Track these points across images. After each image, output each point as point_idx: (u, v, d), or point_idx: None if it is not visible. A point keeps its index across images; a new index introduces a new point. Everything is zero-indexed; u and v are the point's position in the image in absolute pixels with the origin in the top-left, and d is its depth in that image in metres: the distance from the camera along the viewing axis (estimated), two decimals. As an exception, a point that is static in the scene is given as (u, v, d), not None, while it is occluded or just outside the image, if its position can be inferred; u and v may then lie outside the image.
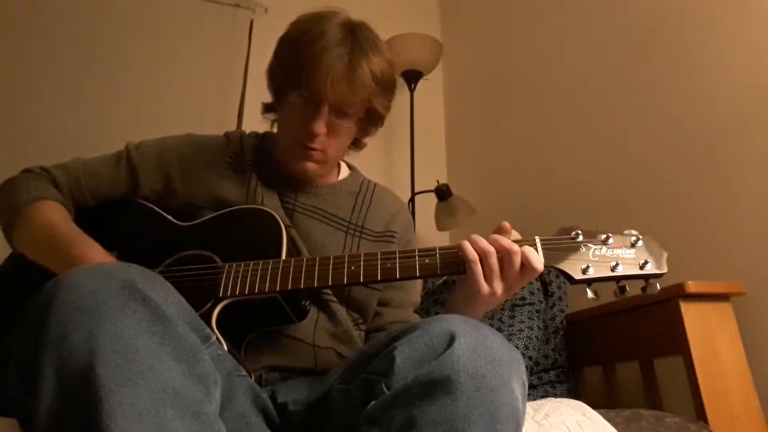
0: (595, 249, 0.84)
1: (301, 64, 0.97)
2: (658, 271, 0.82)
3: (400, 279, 0.86)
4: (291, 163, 1.05)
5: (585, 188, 1.88)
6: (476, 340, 0.64)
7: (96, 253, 0.90)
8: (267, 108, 1.13)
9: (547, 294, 1.63)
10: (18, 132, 1.93)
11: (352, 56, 0.97)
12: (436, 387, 0.61)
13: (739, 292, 1.29)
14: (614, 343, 1.48)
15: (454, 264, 0.84)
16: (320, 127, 0.99)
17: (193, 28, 2.30)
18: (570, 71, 2.05)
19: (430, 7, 2.92)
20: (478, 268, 0.81)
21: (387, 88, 1.05)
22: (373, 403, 0.65)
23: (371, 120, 1.08)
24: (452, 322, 0.67)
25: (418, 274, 0.85)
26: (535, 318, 1.56)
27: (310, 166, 1.04)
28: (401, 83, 2.43)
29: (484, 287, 0.81)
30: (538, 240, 0.85)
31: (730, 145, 1.45)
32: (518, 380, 0.66)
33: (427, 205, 2.31)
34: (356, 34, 1.00)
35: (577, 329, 1.61)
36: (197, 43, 2.29)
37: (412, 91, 2.43)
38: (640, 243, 0.83)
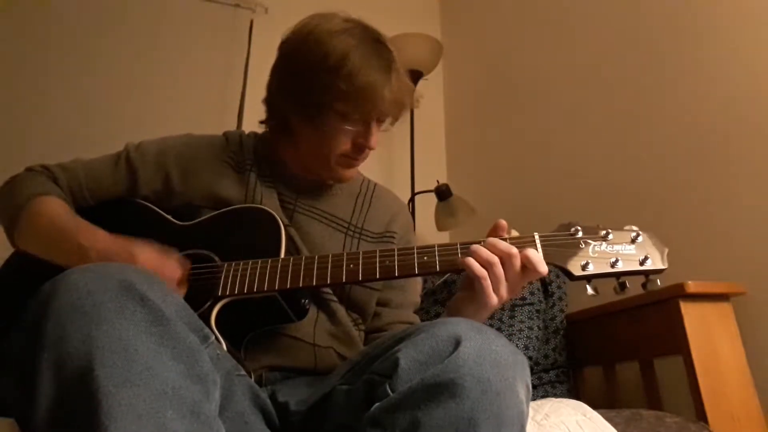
0: (595, 245, 0.83)
1: (355, 93, 0.96)
2: (658, 267, 0.81)
3: (399, 277, 0.86)
4: (333, 174, 1.07)
5: (585, 188, 1.88)
6: (481, 343, 0.64)
7: (103, 239, 0.90)
8: (275, 128, 1.10)
9: (547, 294, 1.63)
10: (19, 132, 1.93)
11: (396, 73, 1.00)
12: (441, 390, 0.61)
13: (739, 292, 1.29)
14: (614, 343, 1.47)
15: (453, 262, 0.84)
16: (376, 142, 1.02)
17: (193, 28, 2.30)
18: (570, 71, 2.05)
19: (430, 7, 2.92)
20: (488, 282, 0.80)
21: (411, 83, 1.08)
22: (377, 405, 0.65)
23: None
24: (458, 325, 0.67)
25: (416, 272, 0.85)
26: (535, 318, 1.56)
27: (354, 171, 1.09)
28: (401, 83, 2.43)
29: (494, 298, 0.81)
30: (537, 237, 0.84)
31: (730, 145, 1.45)
32: (523, 384, 0.66)
33: (427, 205, 2.31)
34: (379, 40, 1.02)
35: (577, 329, 1.60)
36: (197, 43, 2.29)
37: (412, 91, 2.43)
38: (640, 239, 0.83)
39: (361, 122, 1.00)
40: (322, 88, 0.97)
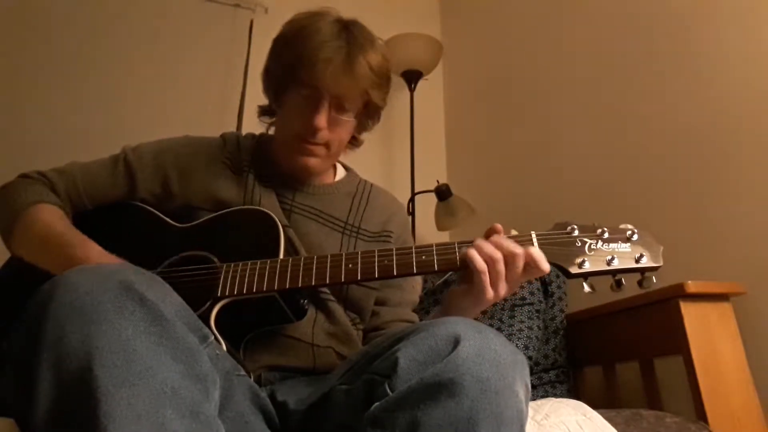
0: (591, 243, 0.85)
1: (298, 60, 0.98)
2: (653, 264, 0.83)
3: (398, 276, 0.86)
4: (293, 161, 1.06)
5: (585, 188, 1.88)
6: (481, 343, 0.64)
7: (97, 253, 0.90)
8: (263, 111, 1.14)
9: (547, 294, 1.63)
10: (19, 132, 1.93)
11: (349, 49, 0.98)
12: (440, 390, 0.61)
13: (739, 292, 1.29)
14: (614, 343, 1.47)
15: (452, 261, 0.84)
16: (322, 121, 1.00)
17: (193, 28, 2.30)
18: (570, 70, 2.05)
19: (430, 7, 2.92)
20: (487, 278, 0.81)
21: (384, 80, 1.06)
22: (376, 404, 0.65)
23: (369, 114, 1.10)
24: (457, 324, 0.67)
25: (415, 271, 0.85)
26: (535, 318, 1.56)
27: (313, 161, 1.05)
28: (401, 83, 2.43)
29: (491, 293, 0.82)
30: (534, 235, 0.85)
31: (730, 145, 1.45)
32: (522, 383, 0.66)
33: (427, 205, 2.31)
34: (350, 30, 1.01)
35: (577, 329, 1.61)
36: (197, 43, 2.29)
37: (412, 91, 2.43)
38: (635, 237, 0.84)
39: (311, 98, 1.00)
40: (281, 62, 1.02)
